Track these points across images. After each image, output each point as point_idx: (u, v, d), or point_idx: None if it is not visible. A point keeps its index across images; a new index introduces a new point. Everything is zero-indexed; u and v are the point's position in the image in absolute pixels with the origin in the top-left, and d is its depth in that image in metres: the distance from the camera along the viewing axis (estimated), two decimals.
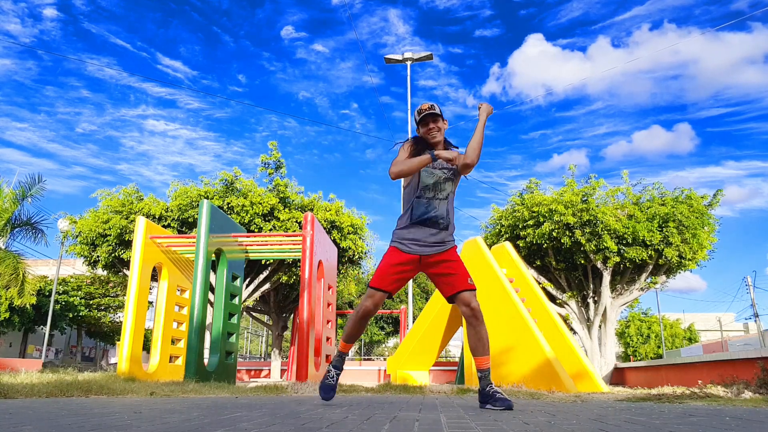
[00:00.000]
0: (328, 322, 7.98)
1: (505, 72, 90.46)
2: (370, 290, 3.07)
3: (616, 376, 11.98)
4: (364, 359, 34.62)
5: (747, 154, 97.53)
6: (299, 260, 10.36)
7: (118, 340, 25.93)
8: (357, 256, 14.07)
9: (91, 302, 25.11)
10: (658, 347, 30.69)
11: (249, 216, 12.00)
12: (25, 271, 14.56)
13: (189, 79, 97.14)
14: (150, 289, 7.96)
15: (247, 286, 13.07)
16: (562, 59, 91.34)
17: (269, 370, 15.36)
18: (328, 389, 3.19)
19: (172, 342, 7.46)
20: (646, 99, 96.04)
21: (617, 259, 11.35)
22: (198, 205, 9.67)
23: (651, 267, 11.92)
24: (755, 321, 34.94)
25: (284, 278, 13.27)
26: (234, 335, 7.63)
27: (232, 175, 12.73)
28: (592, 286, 12.44)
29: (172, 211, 12.28)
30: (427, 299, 26.53)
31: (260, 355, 52.93)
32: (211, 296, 11.40)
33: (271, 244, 8.56)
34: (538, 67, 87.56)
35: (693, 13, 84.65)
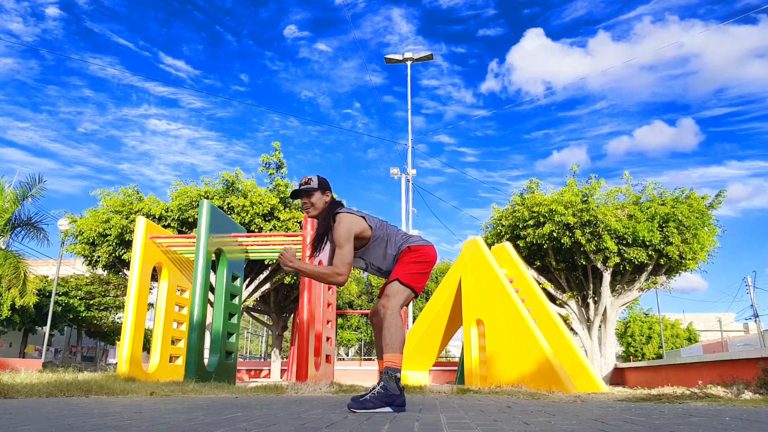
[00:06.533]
0: (328, 322, 7.97)
1: (504, 68, 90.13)
2: (412, 294, 3.00)
3: (616, 376, 11.97)
4: (364, 359, 34.61)
5: (750, 154, 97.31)
6: None
7: (118, 339, 25.93)
8: None
9: (91, 302, 25.11)
10: (659, 347, 30.67)
11: (249, 216, 12.01)
12: (26, 271, 14.57)
13: (191, 78, 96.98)
14: (150, 289, 7.96)
15: (247, 286, 13.07)
16: (561, 53, 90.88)
17: (269, 370, 15.36)
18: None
19: (172, 342, 7.46)
20: (649, 97, 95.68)
21: (617, 259, 11.34)
22: (198, 205, 9.67)
23: (651, 267, 11.91)
24: (755, 321, 34.93)
25: (287, 279, 13.27)
26: (234, 335, 7.63)
27: (232, 175, 12.73)
28: (592, 286, 12.43)
29: (172, 211, 12.28)
30: (427, 299, 26.51)
31: (260, 355, 52.90)
32: (211, 296, 11.39)
33: (272, 244, 8.55)
34: (538, 62, 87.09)
35: (697, 13, 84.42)
